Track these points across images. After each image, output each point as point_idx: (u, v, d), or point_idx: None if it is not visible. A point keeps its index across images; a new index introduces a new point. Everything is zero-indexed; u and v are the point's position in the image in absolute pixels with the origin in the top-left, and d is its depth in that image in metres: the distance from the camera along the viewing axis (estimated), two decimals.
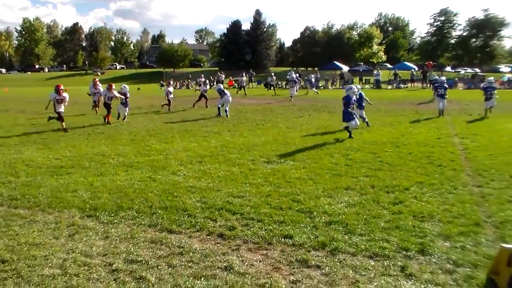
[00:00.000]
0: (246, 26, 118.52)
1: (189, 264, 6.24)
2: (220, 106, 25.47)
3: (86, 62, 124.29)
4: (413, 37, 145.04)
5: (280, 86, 57.68)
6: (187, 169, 12.01)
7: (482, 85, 55.38)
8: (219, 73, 62.52)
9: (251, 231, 7.47)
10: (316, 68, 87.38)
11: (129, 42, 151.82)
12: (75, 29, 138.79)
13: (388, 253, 6.51)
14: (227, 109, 25.32)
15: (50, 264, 6.24)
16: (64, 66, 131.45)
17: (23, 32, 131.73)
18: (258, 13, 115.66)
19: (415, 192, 9.62)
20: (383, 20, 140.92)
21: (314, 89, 45.43)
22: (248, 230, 7.53)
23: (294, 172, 11.48)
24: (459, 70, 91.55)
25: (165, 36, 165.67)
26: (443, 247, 6.74)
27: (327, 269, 6.06)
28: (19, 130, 20.15)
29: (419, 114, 24.50)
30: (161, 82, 74.36)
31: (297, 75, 49.60)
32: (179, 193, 9.68)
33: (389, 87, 58.18)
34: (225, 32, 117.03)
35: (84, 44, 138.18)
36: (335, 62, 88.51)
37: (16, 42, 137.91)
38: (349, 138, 16.00)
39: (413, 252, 6.57)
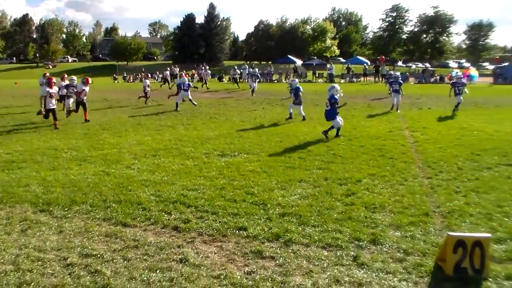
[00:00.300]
0: (200, 19, 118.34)
1: (144, 257, 6.23)
2: (179, 102, 25.41)
3: (37, 55, 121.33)
4: (366, 32, 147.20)
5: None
6: (141, 163, 11.94)
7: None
8: (173, 67, 62.00)
9: (206, 223, 7.50)
10: (270, 62, 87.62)
11: (82, 34, 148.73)
12: (25, 21, 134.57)
13: (341, 243, 6.62)
14: (191, 98, 25.86)
15: (2, 260, 6.13)
16: (14, 58, 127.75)
17: None
18: (212, 7, 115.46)
19: (367, 184, 9.80)
20: (336, 15, 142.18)
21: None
22: (202, 222, 7.55)
23: (248, 165, 11.55)
24: (411, 65, 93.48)
25: (118, 29, 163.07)
26: (394, 236, 6.91)
27: (281, 260, 6.13)
28: None
29: (371, 108, 24.86)
30: (114, 75, 73.53)
31: (252, 69, 49.53)
32: (133, 186, 9.63)
33: (342, 81, 58.83)
34: (179, 25, 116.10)
35: (34, 36, 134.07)
36: (289, 56, 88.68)
37: None
38: (325, 134, 15.35)
39: (365, 242, 6.71)
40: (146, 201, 8.66)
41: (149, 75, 38.06)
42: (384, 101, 28.20)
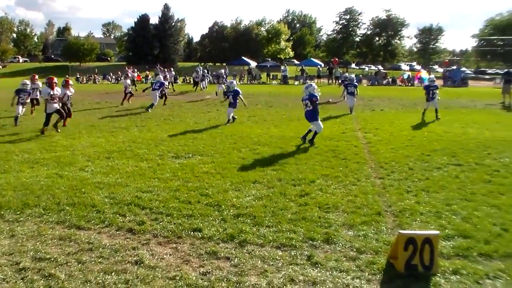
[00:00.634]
0: (154, 20, 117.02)
1: (99, 260, 6.17)
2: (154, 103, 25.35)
3: None
4: (320, 34, 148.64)
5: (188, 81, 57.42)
6: (94, 165, 11.80)
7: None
8: (126, 68, 61.34)
9: (161, 225, 7.48)
10: (224, 64, 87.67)
11: (33, 34, 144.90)
12: None
13: (295, 243, 6.69)
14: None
15: None
16: None
17: None
18: (166, 7, 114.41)
19: (320, 185, 9.91)
20: (291, 17, 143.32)
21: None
22: (157, 224, 7.53)
23: (202, 167, 11.54)
24: (364, 67, 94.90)
25: (71, 29, 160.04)
26: (347, 235, 7.02)
27: (236, 260, 6.16)
28: None
29: (324, 109, 25.00)
30: (67, 76, 72.03)
31: (206, 70, 49.35)
32: (87, 189, 9.51)
33: (296, 82, 59.23)
34: (133, 26, 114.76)
35: None
36: (243, 57, 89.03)
37: None
38: (311, 145, 14.49)
39: (319, 241, 6.80)
40: (100, 203, 8.56)
41: (129, 74, 37.00)
42: (338, 104, 28.37)
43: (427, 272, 5.75)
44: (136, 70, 56.10)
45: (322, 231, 7.15)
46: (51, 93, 17.04)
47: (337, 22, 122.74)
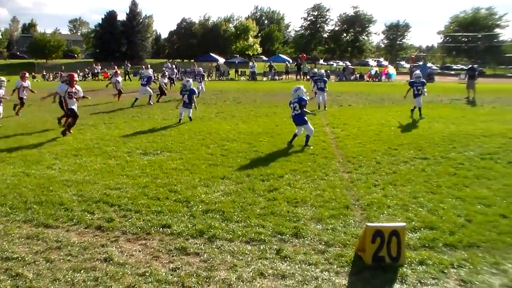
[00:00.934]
0: (122, 16, 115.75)
1: (68, 258, 6.13)
2: (138, 98, 25.80)
3: None
4: (288, 30, 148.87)
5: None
6: (62, 163, 11.69)
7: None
8: (94, 65, 60.81)
9: (130, 222, 7.46)
10: (192, 60, 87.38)
11: None
12: None
13: (264, 238, 6.75)
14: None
15: None
16: None
17: None
18: (134, 4, 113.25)
19: (289, 180, 9.97)
20: (259, 13, 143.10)
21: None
22: (126, 221, 7.51)
23: (171, 163, 11.53)
24: (332, 63, 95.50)
25: (36, 25, 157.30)
26: (315, 229, 7.09)
27: (205, 256, 6.19)
28: None
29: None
30: (33, 74, 71.07)
31: (174, 66, 48.94)
32: (55, 187, 9.42)
33: (264, 79, 59.32)
34: (100, 22, 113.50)
35: None
36: (211, 54, 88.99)
37: None
38: (306, 146, 13.74)
39: (287, 235, 6.86)
40: (68, 201, 8.50)
41: (118, 72, 36.12)
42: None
43: (394, 263, 5.85)
44: (129, 64, 55.65)
45: (291, 225, 7.21)
46: (69, 90, 16.04)
47: (305, 19, 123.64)
